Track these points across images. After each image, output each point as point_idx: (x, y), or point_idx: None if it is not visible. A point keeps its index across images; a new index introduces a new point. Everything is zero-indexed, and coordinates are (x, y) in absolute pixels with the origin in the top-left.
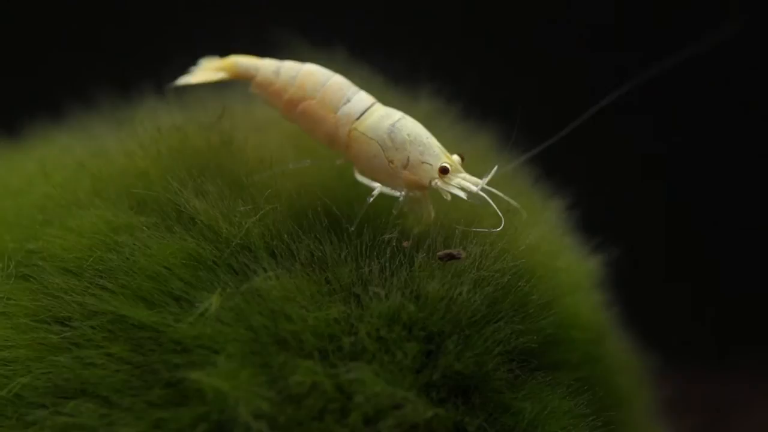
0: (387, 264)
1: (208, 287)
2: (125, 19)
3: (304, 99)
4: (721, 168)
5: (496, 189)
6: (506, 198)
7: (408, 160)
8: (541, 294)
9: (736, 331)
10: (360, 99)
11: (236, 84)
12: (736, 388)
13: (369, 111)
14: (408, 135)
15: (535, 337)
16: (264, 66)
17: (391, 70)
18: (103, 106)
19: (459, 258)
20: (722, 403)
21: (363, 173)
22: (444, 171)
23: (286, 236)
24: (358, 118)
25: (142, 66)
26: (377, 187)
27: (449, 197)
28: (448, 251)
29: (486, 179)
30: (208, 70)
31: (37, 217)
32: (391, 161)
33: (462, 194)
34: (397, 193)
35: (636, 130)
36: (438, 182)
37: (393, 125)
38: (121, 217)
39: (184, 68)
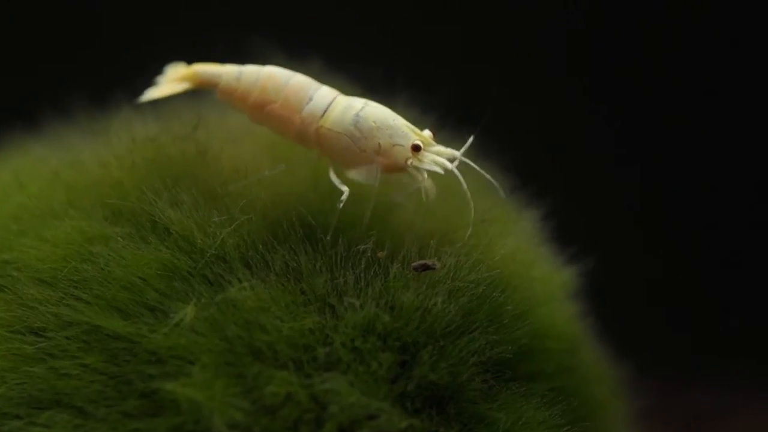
0: (362, 274)
1: (183, 298)
2: (100, 29)
3: (268, 102)
4: (697, 176)
5: (471, 199)
6: (482, 171)
7: (379, 146)
8: (515, 304)
9: (711, 341)
10: (322, 96)
11: (210, 94)
12: (710, 398)
13: (332, 105)
14: (374, 122)
15: (509, 348)
16: (226, 72)
17: (367, 79)
18: (78, 117)
19: (433, 268)
20: (697, 413)
21: (340, 166)
22: (416, 149)
23: (260, 247)
24: (322, 115)
25: (118, 77)
26: (345, 192)
27: (426, 175)
28: (422, 262)
29: (462, 150)
30: (172, 82)
31: (11, 228)
32: (363, 150)
33: (439, 170)
34: (373, 177)
35: (611, 141)
36: (413, 161)
37: (357, 115)
38: (96, 227)
39: (164, 68)
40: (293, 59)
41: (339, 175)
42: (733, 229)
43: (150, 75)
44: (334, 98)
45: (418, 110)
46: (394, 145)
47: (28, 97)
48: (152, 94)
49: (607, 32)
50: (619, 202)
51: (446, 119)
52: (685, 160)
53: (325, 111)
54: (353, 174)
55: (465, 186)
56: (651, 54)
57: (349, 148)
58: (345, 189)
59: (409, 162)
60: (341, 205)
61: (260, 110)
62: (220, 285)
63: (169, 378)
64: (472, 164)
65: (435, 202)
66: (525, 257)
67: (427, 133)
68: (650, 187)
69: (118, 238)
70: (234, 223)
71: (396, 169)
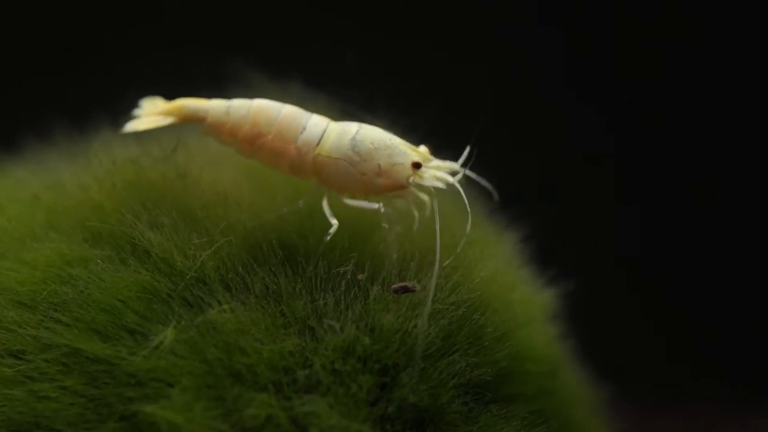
0: (342, 297)
1: (163, 320)
2: (80, 51)
3: (260, 135)
4: (676, 199)
5: (452, 221)
6: (482, 181)
7: (379, 167)
8: (496, 327)
9: (691, 364)
10: (315, 124)
11: None
12: (690, 421)
13: (326, 132)
14: (371, 143)
15: (490, 370)
16: (213, 107)
17: (347, 101)
18: (58, 139)
19: (414, 291)
20: None
21: (340, 192)
22: (417, 166)
23: (240, 269)
24: (318, 143)
25: (98, 99)
26: (335, 225)
27: (432, 192)
28: (402, 284)
29: (461, 160)
30: (155, 116)
31: None
32: (363, 174)
33: (441, 185)
34: (376, 206)
35: (591, 162)
36: (414, 178)
37: (354, 138)
38: (76, 250)
39: (137, 103)
40: (273, 81)
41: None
42: (714, 250)
43: (130, 98)
44: (327, 125)
45: (400, 132)
46: (394, 165)
47: (7, 120)
48: (135, 126)
49: (589, 52)
50: (598, 223)
51: (427, 141)
52: (667, 181)
53: (321, 138)
54: (351, 202)
55: (465, 198)
56: (634, 74)
57: (348, 172)
58: (335, 222)
59: (410, 180)
60: (329, 237)
61: (251, 143)
62: (199, 307)
63: (148, 401)
64: (473, 175)
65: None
66: (505, 279)
67: (423, 148)
68: (631, 209)
69: (98, 260)
70: (214, 246)
71: (398, 188)
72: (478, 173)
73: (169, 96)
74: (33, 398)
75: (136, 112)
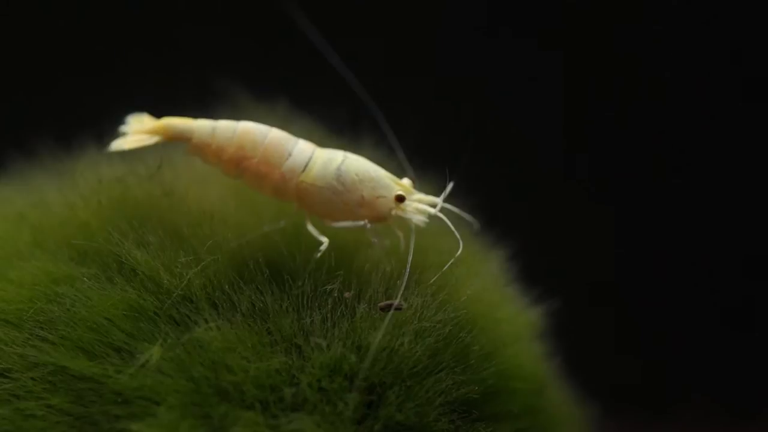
0: (328, 315)
1: (149, 338)
2: (66, 69)
3: (245, 158)
4: (666, 216)
5: (439, 239)
6: (464, 215)
7: (362, 198)
8: (482, 345)
9: (676, 381)
10: (301, 150)
11: None
12: None
13: (312, 159)
14: (356, 175)
15: (476, 388)
16: (199, 128)
17: (333, 121)
18: (44, 158)
19: (400, 309)
20: None
21: (321, 219)
22: (400, 199)
23: (227, 287)
24: (303, 170)
25: (83, 117)
26: (325, 242)
27: (412, 224)
28: (389, 302)
29: (443, 196)
30: (141, 134)
31: None
32: (346, 204)
33: (423, 218)
34: (361, 223)
35: (578, 181)
36: (396, 211)
37: (339, 168)
38: (62, 268)
39: (124, 120)
40: (258, 100)
41: (316, 225)
42: (701, 271)
43: (115, 116)
44: (313, 152)
45: (385, 152)
46: (377, 197)
47: None
48: (120, 145)
49: (575, 77)
50: (585, 242)
51: (412, 160)
52: (654, 200)
53: (306, 165)
54: (335, 224)
55: (452, 226)
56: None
57: (331, 201)
58: (324, 240)
59: (392, 212)
60: (319, 254)
61: (236, 165)
62: (186, 325)
63: (135, 419)
64: (454, 209)
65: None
66: (491, 298)
67: (406, 181)
68: (619, 227)
69: (84, 278)
70: (200, 264)
71: (379, 219)
72: (464, 191)
73: (155, 115)
74: (19, 416)
75: (123, 128)
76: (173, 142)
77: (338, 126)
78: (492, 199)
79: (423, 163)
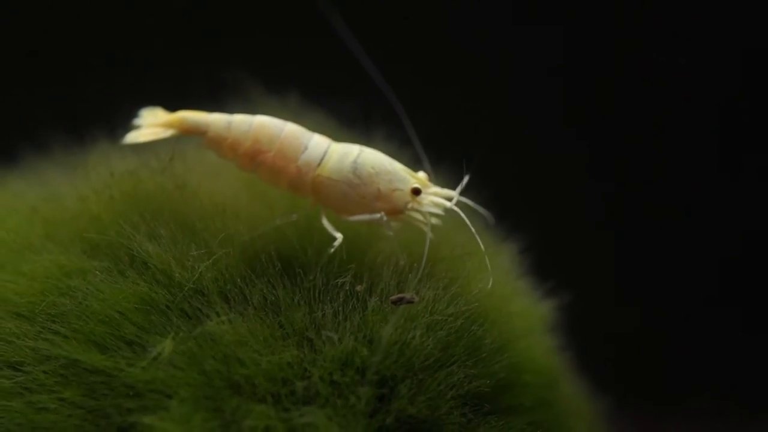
0: (340, 308)
1: (161, 331)
2: (77, 62)
3: (261, 152)
4: (675, 215)
5: (452, 233)
6: (479, 208)
7: (378, 191)
8: (494, 338)
9: (687, 376)
10: (317, 144)
11: None
12: None
13: (327, 153)
14: (372, 168)
15: (488, 381)
16: (214, 121)
17: (344, 114)
18: (56, 151)
19: (412, 302)
20: None
21: (338, 213)
22: (416, 192)
23: (239, 280)
24: (319, 164)
25: (95, 110)
26: (339, 238)
27: (429, 219)
28: (400, 295)
29: (459, 189)
30: (156, 128)
31: None
32: (362, 197)
33: (439, 211)
34: (377, 216)
35: (589, 176)
36: (412, 204)
37: (355, 162)
38: (74, 261)
39: (137, 113)
40: (270, 93)
41: (331, 220)
42: (707, 267)
43: (127, 110)
44: (329, 146)
45: (396, 144)
46: (393, 190)
47: (4, 132)
48: (135, 137)
49: (584, 74)
50: (596, 236)
51: (425, 151)
52: (663, 197)
53: (322, 159)
54: (351, 218)
55: (467, 220)
56: (625, 92)
57: (347, 195)
58: (339, 235)
59: (408, 205)
60: (332, 250)
61: (252, 159)
62: (198, 319)
63: (147, 412)
64: (470, 203)
65: (414, 236)
66: (503, 291)
67: (422, 174)
68: (628, 223)
69: (96, 272)
70: (212, 257)
71: (395, 212)
72: (478, 184)
73: (168, 107)
74: (31, 410)
75: (137, 122)
76: (187, 135)
77: (349, 119)
78: (504, 192)
79: (436, 157)
